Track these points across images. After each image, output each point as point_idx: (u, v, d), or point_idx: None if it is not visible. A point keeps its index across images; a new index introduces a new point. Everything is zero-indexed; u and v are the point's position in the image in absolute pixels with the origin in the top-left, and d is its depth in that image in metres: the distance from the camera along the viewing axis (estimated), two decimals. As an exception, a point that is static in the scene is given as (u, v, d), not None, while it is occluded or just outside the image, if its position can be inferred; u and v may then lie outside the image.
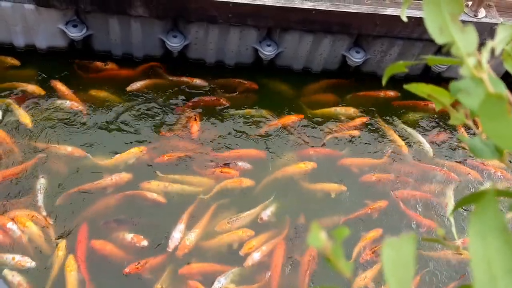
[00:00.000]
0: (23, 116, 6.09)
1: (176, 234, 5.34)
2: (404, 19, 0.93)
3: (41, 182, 5.59)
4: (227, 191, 5.83)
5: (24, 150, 5.85)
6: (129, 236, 5.28)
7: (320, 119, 6.81)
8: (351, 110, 6.96)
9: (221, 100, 6.73)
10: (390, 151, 6.52)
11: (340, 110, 6.95)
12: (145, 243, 5.27)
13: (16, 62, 6.69)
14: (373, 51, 7.04)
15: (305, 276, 5.28)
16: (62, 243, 5.13)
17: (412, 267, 0.67)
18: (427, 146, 6.65)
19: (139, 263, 5.07)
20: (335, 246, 0.66)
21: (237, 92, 6.91)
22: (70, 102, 6.37)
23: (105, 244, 5.20)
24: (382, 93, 7.25)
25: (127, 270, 5.02)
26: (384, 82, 0.88)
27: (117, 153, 5.94)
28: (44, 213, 5.35)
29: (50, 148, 5.88)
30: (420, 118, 7.09)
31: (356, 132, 6.74)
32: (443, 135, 6.93)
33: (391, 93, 7.23)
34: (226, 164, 6.04)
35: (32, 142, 5.93)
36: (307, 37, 6.76)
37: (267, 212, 5.70)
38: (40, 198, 5.46)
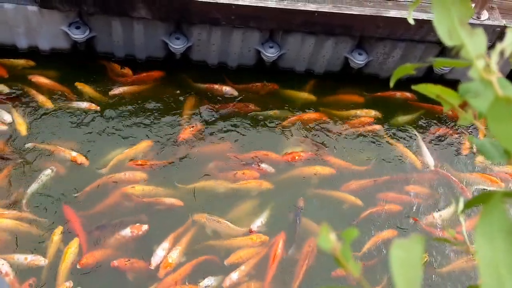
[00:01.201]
0: (19, 124, 6.08)
1: (160, 252, 5.25)
2: (411, 21, 0.93)
3: (46, 173, 5.64)
4: (245, 192, 5.86)
5: (27, 153, 5.87)
6: (127, 232, 5.30)
7: (335, 120, 6.83)
8: (372, 113, 6.97)
9: (250, 106, 6.78)
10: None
11: (360, 113, 6.96)
12: (145, 227, 5.34)
13: (31, 63, 6.73)
14: (376, 53, 7.04)
15: (302, 267, 5.28)
16: (58, 229, 5.22)
17: (420, 269, 0.67)
18: (429, 159, 6.54)
19: (129, 260, 5.13)
20: (344, 247, 0.67)
21: (261, 94, 6.99)
22: (87, 103, 6.41)
23: (94, 255, 5.17)
24: (398, 94, 7.24)
25: (115, 263, 5.09)
26: (392, 83, 0.88)
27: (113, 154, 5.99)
28: (24, 201, 5.41)
29: (56, 151, 5.90)
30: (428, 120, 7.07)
31: (377, 127, 6.77)
32: (442, 130, 6.94)
33: (408, 94, 7.22)
34: (248, 164, 6.05)
35: (39, 144, 5.95)
36: (310, 39, 6.76)
37: (257, 223, 5.60)
38: (34, 186, 5.52)
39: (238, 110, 6.71)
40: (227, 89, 6.90)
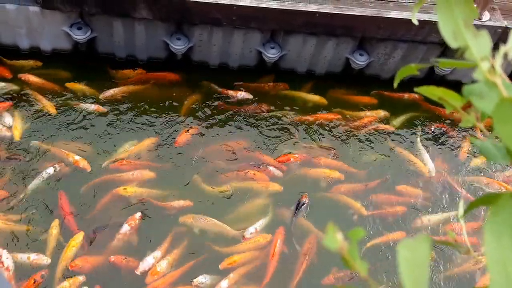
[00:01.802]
0: (15, 127, 6.08)
1: (150, 259, 5.20)
2: (415, 22, 0.94)
3: (48, 171, 5.65)
4: (252, 192, 5.86)
5: (29, 154, 5.88)
6: (126, 228, 5.33)
7: (343, 122, 6.83)
8: (382, 113, 6.96)
9: (263, 107, 6.80)
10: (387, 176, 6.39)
11: (370, 113, 6.96)
12: (138, 214, 5.41)
13: (39, 63, 6.75)
14: (377, 54, 7.04)
15: (302, 263, 5.28)
16: (55, 223, 5.26)
17: (427, 268, 0.68)
18: (430, 165, 6.49)
19: (125, 257, 5.18)
20: (351, 247, 0.67)
21: (272, 94, 7.01)
22: (95, 106, 6.43)
23: (86, 259, 5.15)
24: (406, 95, 7.23)
25: (112, 259, 5.14)
26: (395, 84, 0.88)
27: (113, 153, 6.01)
28: (20, 196, 5.44)
29: (59, 154, 5.91)
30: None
31: (387, 126, 6.78)
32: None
33: (416, 96, 7.20)
34: (257, 166, 6.06)
35: (42, 145, 5.96)
36: (311, 40, 6.77)
37: (251, 230, 5.53)
38: (35, 184, 5.55)
39: (252, 111, 6.72)
40: (242, 93, 6.90)
